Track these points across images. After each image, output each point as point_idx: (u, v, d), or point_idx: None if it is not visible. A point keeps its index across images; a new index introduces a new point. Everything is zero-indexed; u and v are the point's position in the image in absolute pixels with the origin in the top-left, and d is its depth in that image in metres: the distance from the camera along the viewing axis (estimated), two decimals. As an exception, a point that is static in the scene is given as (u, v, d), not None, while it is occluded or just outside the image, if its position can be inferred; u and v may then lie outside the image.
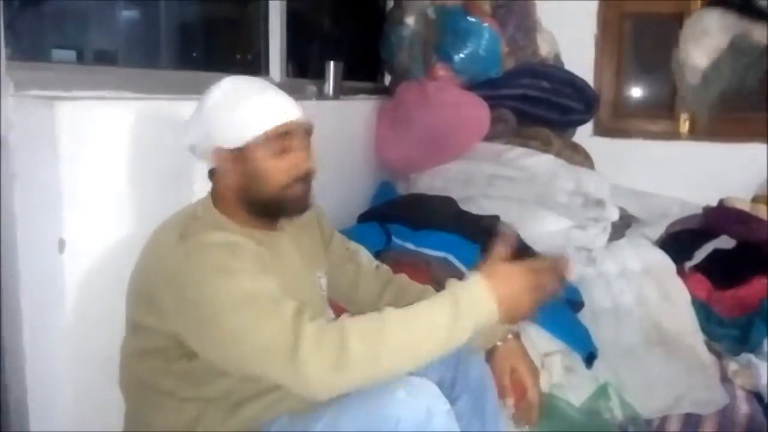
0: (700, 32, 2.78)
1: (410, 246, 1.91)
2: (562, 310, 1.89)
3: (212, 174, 1.17)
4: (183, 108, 1.38)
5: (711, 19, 2.76)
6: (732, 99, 2.92)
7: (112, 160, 1.24)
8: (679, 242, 2.35)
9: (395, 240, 1.94)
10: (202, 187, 1.22)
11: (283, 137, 1.12)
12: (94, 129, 1.19)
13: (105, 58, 1.86)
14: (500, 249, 1.09)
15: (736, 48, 2.72)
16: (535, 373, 1.26)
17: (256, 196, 1.13)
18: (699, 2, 2.90)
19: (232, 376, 1.06)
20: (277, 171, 1.11)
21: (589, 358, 1.79)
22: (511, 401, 1.24)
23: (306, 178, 1.15)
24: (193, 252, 1.03)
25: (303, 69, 2.51)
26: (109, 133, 1.22)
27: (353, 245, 1.43)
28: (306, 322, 0.98)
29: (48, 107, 1.11)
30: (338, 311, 1.40)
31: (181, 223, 1.10)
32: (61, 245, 1.13)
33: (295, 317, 0.98)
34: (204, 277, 1.00)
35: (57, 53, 1.58)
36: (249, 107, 1.11)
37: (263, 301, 1.00)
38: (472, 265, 1.85)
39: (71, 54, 1.68)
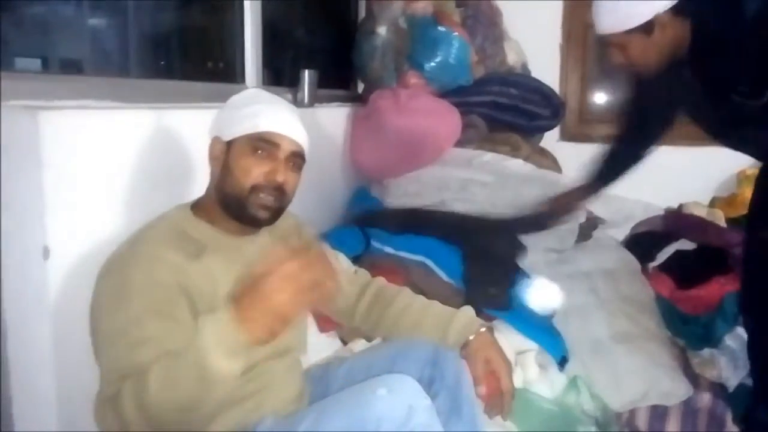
0: None
1: (389, 250, 1.94)
2: (536, 314, 1.92)
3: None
4: (165, 117, 1.40)
5: None
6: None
7: (95, 169, 1.25)
8: (642, 244, 2.42)
9: (374, 244, 1.96)
10: (186, 194, 1.24)
11: (268, 144, 1.16)
12: (77, 138, 1.20)
13: (71, 66, 1.82)
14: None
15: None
16: (507, 363, 1.27)
17: (225, 190, 1.17)
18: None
19: None
20: (248, 169, 1.15)
21: (562, 362, 1.81)
22: (483, 389, 1.25)
23: (276, 190, 1.17)
24: (113, 266, 1.11)
25: (278, 77, 2.53)
26: (92, 142, 1.24)
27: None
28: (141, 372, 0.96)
29: (32, 117, 1.12)
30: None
31: (141, 228, 1.15)
32: (46, 253, 1.14)
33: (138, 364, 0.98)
34: (101, 295, 1.09)
35: (20, 61, 1.55)
36: (251, 109, 1.17)
37: (129, 339, 1.03)
38: (451, 268, 1.89)
39: (36, 62, 1.64)
